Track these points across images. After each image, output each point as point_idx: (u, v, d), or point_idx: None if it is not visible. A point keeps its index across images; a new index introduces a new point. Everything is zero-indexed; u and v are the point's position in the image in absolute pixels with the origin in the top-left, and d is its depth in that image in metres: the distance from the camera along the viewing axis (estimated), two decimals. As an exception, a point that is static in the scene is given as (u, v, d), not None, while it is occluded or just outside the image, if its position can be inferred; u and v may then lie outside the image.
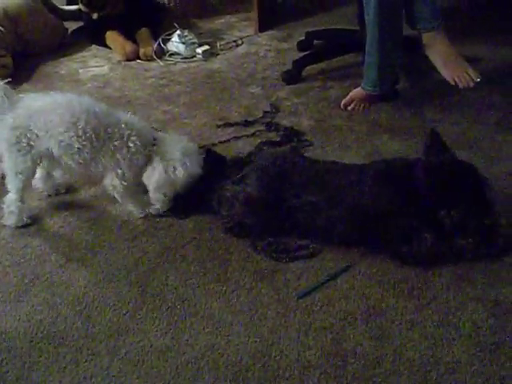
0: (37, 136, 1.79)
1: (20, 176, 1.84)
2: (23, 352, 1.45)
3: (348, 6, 3.28)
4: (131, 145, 1.82)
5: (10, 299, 1.61)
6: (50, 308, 1.58)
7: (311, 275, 1.62)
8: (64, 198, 2.03)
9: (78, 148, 1.79)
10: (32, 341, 1.48)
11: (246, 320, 1.49)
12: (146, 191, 1.89)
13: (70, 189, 2.06)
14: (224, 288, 1.60)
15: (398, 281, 1.58)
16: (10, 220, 1.87)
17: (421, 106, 2.41)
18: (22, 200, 1.87)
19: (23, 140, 1.79)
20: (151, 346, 1.44)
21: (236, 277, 1.63)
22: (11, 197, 1.87)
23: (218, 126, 2.42)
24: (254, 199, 1.75)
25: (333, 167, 1.80)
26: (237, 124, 2.43)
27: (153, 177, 1.84)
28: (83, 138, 1.78)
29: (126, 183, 1.85)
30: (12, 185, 1.86)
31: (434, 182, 1.60)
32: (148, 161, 1.85)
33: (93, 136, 1.79)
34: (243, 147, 2.22)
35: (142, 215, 1.90)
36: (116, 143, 1.81)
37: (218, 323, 1.49)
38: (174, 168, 1.83)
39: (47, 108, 1.81)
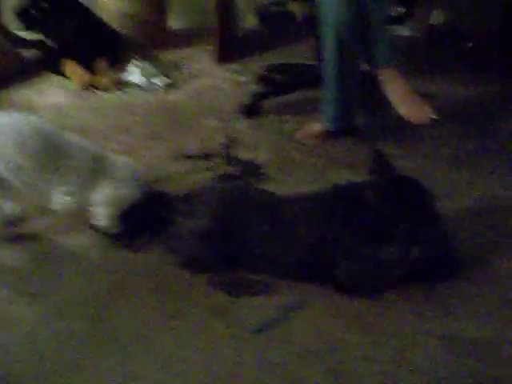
0: None
1: None
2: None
3: (307, 41, 3.33)
4: (79, 162, 1.81)
5: (-43, 337, 1.55)
6: (0, 347, 1.52)
7: (267, 310, 1.60)
8: (14, 230, 1.95)
9: (27, 168, 1.75)
10: (-21, 381, 1.42)
11: (201, 356, 1.46)
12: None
13: (19, 221, 1.99)
14: (178, 323, 1.56)
15: (352, 315, 1.57)
16: None
17: (377, 141, 2.44)
18: None
19: None
20: (102, 385, 1.40)
21: (192, 313, 1.60)
22: None
23: (175, 159, 2.40)
24: (205, 232, 1.73)
25: (285, 197, 1.80)
26: (194, 157, 2.41)
27: (101, 193, 1.83)
28: (33, 157, 1.75)
29: (74, 202, 1.83)
30: None
31: (382, 199, 1.61)
32: (94, 178, 1.83)
33: (42, 155, 1.76)
34: (199, 180, 2.21)
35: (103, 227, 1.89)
36: (66, 162, 1.79)
37: (172, 360, 1.45)
38: (120, 186, 1.85)
39: None
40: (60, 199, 1.82)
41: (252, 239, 1.72)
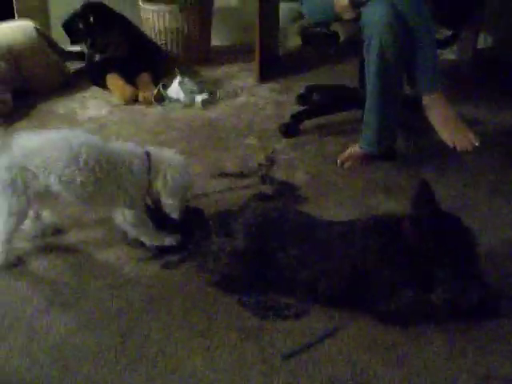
0: (34, 175, 1.76)
1: (13, 218, 1.79)
2: (-6, 400, 1.40)
3: (350, 63, 3.31)
4: (134, 168, 1.83)
5: (-14, 342, 1.56)
6: (27, 354, 1.52)
7: (298, 336, 1.57)
8: (51, 241, 1.98)
9: (81, 181, 1.77)
10: (5, 388, 1.43)
11: (229, 379, 1.44)
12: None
13: (57, 231, 2.02)
14: (208, 344, 1.55)
15: (387, 346, 1.53)
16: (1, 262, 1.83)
17: (418, 167, 2.40)
18: (10, 241, 1.83)
19: (18, 180, 1.76)
20: (128, 402, 1.39)
21: (221, 333, 1.58)
22: (0, 237, 1.81)
23: (213, 177, 2.39)
24: (240, 252, 1.72)
25: (321, 221, 1.79)
26: (232, 175, 2.41)
27: (166, 183, 1.85)
28: (86, 170, 1.77)
29: (135, 210, 1.85)
30: (3, 226, 1.80)
31: (421, 235, 1.57)
32: (150, 177, 1.86)
33: (96, 167, 1.78)
34: (236, 199, 2.20)
35: (151, 243, 1.91)
36: (120, 171, 1.81)
37: (200, 381, 1.44)
38: (180, 173, 1.88)
39: (43, 146, 1.78)
40: (122, 212, 1.86)
41: (286, 262, 1.69)
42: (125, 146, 1.91)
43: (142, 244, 1.92)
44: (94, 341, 1.56)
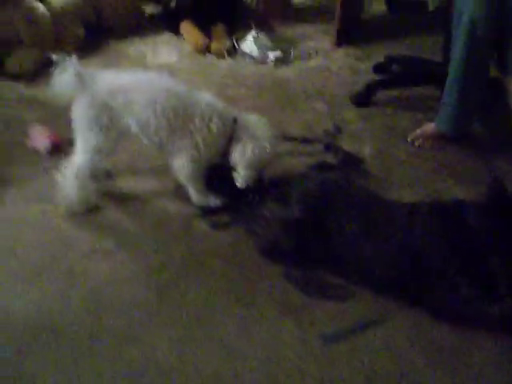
0: (118, 113, 1.73)
1: (99, 154, 1.76)
2: (23, 340, 1.38)
3: (435, 36, 3.11)
4: (213, 126, 1.76)
5: (24, 280, 1.54)
6: (62, 298, 1.50)
7: (341, 319, 1.48)
8: (106, 186, 1.93)
9: (156, 127, 1.73)
10: (35, 329, 1.40)
11: (263, 356, 1.37)
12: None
13: (110, 176, 1.98)
14: (245, 314, 1.48)
15: (433, 343, 1.43)
16: (75, 207, 1.79)
17: (492, 154, 2.23)
18: (91, 178, 1.79)
19: (103, 117, 1.72)
20: (156, 363, 1.34)
21: (261, 304, 1.51)
22: (72, 176, 1.77)
23: (276, 139, 2.29)
24: (292, 221, 1.63)
25: (382, 200, 1.68)
26: (294, 139, 2.31)
27: (245, 154, 1.77)
28: (161, 117, 1.72)
29: (197, 166, 1.79)
30: (89, 162, 1.76)
31: (485, 226, 1.45)
32: (229, 141, 1.79)
33: (171, 115, 1.73)
34: (297, 165, 2.10)
35: (199, 203, 1.85)
36: (196, 124, 1.75)
37: (232, 352, 1.37)
38: (262, 146, 1.79)
39: (128, 86, 1.74)
40: (183, 162, 1.80)
41: (341, 238, 1.59)
42: (212, 100, 1.84)
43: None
44: (131, 293, 1.52)
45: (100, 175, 1.93)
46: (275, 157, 1.86)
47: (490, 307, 1.46)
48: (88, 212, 1.80)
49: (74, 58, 1.70)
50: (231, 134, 1.79)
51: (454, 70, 2.12)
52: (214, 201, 1.85)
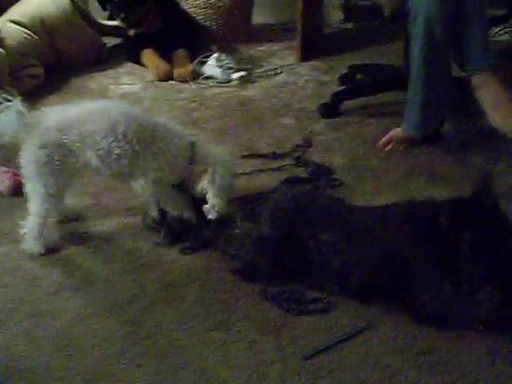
0: (71, 151, 1.64)
1: (50, 200, 1.67)
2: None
3: (395, 42, 3.11)
4: (172, 148, 1.70)
5: (-11, 325, 1.47)
6: (30, 340, 1.43)
7: (322, 333, 1.42)
8: (69, 225, 1.87)
9: (117, 154, 1.65)
10: (3, 374, 1.33)
11: (244, 378, 1.31)
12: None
13: (77, 217, 1.91)
14: (224, 338, 1.42)
15: (422, 350, 1.37)
16: (35, 247, 1.70)
17: (464, 152, 2.20)
18: (44, 226, 1.71)
19: (55, 158, 1.64)
20: (131, 399, 1.27)
21: (239, 326, 1.45)
22: (35, 222, 1.69)
23: (244, 157, 2.26)
24: (265, 238, 1.58)
25: (355, 206, 1.65)
26: (264, 156, 2.26)
27: (215, 182, 1.71)
28: (123, 142, 1.64)
29: (163, 187, 1.73)
30: (40, 209, 1.68)
31: (455, 220, 1.40)
32: (189, 164, 1.73)
33: (134, 140, 1.65)
34: (267, 182, 2.06)
35: (176, 214, 1.78)
36: (158, 145, 1.68)
37: (211, 379, 1.31)
38: (229, 174, 1.74)
39: (80, 118, 1.66)
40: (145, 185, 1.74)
41: (316, 250, 1.55)
42: (168, 122, 1.80)
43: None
44: (103, 329, 1.45)
45: (68, 215, 1.88)
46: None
47: (474, 307, 1.41)
48: (52, 251, 1.73)
49: (16, 98, 1.62)
50: (190, 156, 1.73)
51: (415, 70, 2.11)
52: (187, 213, 1.78)
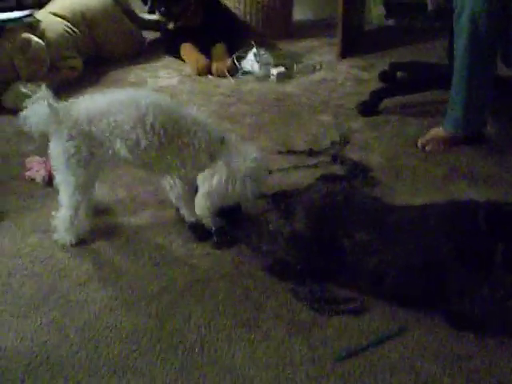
0: (100, 141, 1.63)
1: (80, 191, 1.66)
2: (17, 375, 1.29)
3: (438, 39, 3.04)
4: (195, 142, 1.65)
5: (19, 313, 1.47)
6: (58, 330, 1.41)
7: (355, 335, 1.38)
8: (100, 217, 1.85)
9: (145, 145, 1.62)
10: (29, 364, 1.32)
11: (272, 379, 1.27)
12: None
13: (107, 210, 1.89)
14: (252, 336, 1.38)
15: (458, 356, 1.31)
16: (66, 238, 1.70)
17: (507, 154, 2.13)
18: (77, 216, 1.69)
19: (83, 149, 1.62)
20: (156, 395, 1.25)
21: (268, 325, 1.41)
22: (66, 213, 1.68)
23: (280, 153, 2.22)
24: (299, 235, 1.54)
25: (392, 205, 1.59)
26: (300, 152, 2.22)
27: (209, 181, 1.64)
28: (151, 134, 1.61)
29: (185, 185, 1.69)
30: (70, 201, 1.67)
31: (495, 225, 1.34)
32: (211, 161, 1.66)
33: (161, 132, 1.62)
34: (302, 178, 2.02)
35: (192, 220, 1.74)
36: (183, 139, 1.64)
37: (238, 378, 1.28)
38: (235, 180, 1.64)
39: (109, 108, 1.63)
40: (172, 181, 1.70)
41: (351, 249, 1.50)
42: (199, 115, 1.73)
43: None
44: (130, 322, 1.43)
45: (99, 207, 1.86)
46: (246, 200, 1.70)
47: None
48: (83, 243, 1.72)
49: (45, 90, 1.61)
50: (214, 153, 1.67)
51: (458, 69, 2.04)
52: (207, 220, 1.72)
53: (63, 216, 1.69)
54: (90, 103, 1.66)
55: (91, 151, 1.63)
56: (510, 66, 2.05)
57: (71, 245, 1.70)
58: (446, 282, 1.37)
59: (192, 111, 1.73)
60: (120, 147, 1.63)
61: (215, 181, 1.64)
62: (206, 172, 1.65)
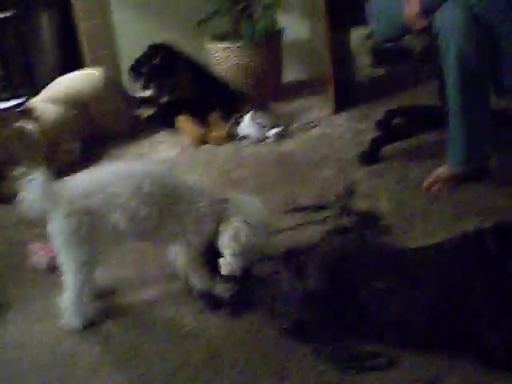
0: (98, 215, 1.60)
1: (82, 270, 1.62)
2: None
3: (430, 81, 3.04)
4: (196, 207, 1.63)
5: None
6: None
7: (386, 391, 1.30)
8: (107, 298, 1.81)
9: (144, 215, 1.59)
10: None
11: None
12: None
13: (112, 292, 1.84)
14: (278, 404, 1.31)
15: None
16: (73, 323, 1.64)
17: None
18: (82, 298, 1.64)
19: (83, 225, 1.59)
20: None
21: (293, 390, 1.34)
22: (71, 295, 1.63)
23: (286, 212, 2.18)
24: (314, 293, 1.48)
25: (406, 249, 1.56)
26: (306, 209, 2.18)
27: (235, 240, 1.61)
28: (149, 203, 1.59)
29: (191, 252, 1.65)
30: (75, 281, 1.62)
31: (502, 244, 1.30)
32: (219, 224, 1.64)
33: (159, 200, 1.60)
34: (312, 234, 1.97)
35: (203, 288, 1.69)
36: (184, 207, 1.62)
37: None
38: (257, 234, 1.63)
39: (105, 181, 1.62)
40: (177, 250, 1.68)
41: (371, 299, 1.44)
42: (195, 182, 1.74)
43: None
44: (148, 403, 1.36)
45: (103, 291, 1.80)
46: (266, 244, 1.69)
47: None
48: (91, 326, 1.66)
49: (41, 171, 1.59)
50: (220, 215, 1.65)
51: (452, 105, 2.03)
52: (218, 288, 1.68)
53: (69, 299, 1.63)
54: (86, 178, 1.66)
55: (91, 227, 1.60)
56: (503, 97, 2.03)
57: (79, 329, 1.64)
58: (472, 319, 1.30)
59: (188, 178, 1.74)
60: (119, 219, 1.60)
61: (243, 239, 1.61)
62: (229, 232, 1.62)
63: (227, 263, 1.63)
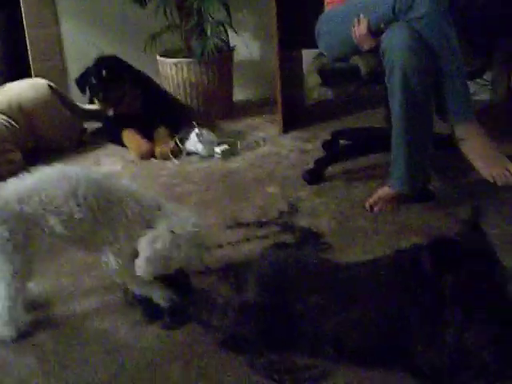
0: (33, 220, 1.56)
1: (18, 278, 1.56)
2: None
3: (378, 105, 3.11)
4: (128, 212, 1.60)
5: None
6: None
7: (319, 403, 1.30)
8: (42, 308, 1.76)
9: (79, 218, 1.56)
10: None
11: None
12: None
13: (46, 304, 1.78)
14: (211, 417, 1.29)
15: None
16: (6, 332, 1.58)
17: (455, 207, 2.14)
18: (16, 308, 1.59)
19: (18, 231, 1.55)
20: None
21: (227, 403, 1.33)
22: (4, 305, 1.57)
23: (228, 227, 2.18)
24: (250, 306, 1.48)
25: (343, 264, 1.56)
26: (249, 225, 2.19)
27: (151, 245, 1.58)
28: (84, 206, 1.57)
29: (125, 258, 1.62)
30: (8, 290, 1.56)
31: (437, 260, 1.31)
32: (150, 229, 1.61)
33: (94, 203, 1.57)
34: (253, 250, 1.97)
35: (140, 293, 1.67)
36: (115, 209, 1.60)
37: None
38: (179, 245, 1.58)
39: (39, 184, 1.59)
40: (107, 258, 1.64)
41: (306, 313, 1.45)
42: (131, 186, 1.71)
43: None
44: (77, 414, 1.32)
45: (36, 302, 1.76)
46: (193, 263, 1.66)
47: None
48: (25, 336, 1.61)
49: None
50: (150, 222, 1.63)
51: (396, 127, 2.07)
52: (157, 295, 1.66)
53: (1, 308, 1.58)
54: (19, 183, 1.62)
55: (26, 233, 1.56)
56: (447, 120, 2.08)
57: (11, 339, 1.59)
58: (404, 335, 1.32)
59: (124, 182, 1.71)
60: (54, 223, 1.57)
61: (159, 245, 1.58)
62: (148, 236, 1.60)
63: (138, 266, 1.60)
